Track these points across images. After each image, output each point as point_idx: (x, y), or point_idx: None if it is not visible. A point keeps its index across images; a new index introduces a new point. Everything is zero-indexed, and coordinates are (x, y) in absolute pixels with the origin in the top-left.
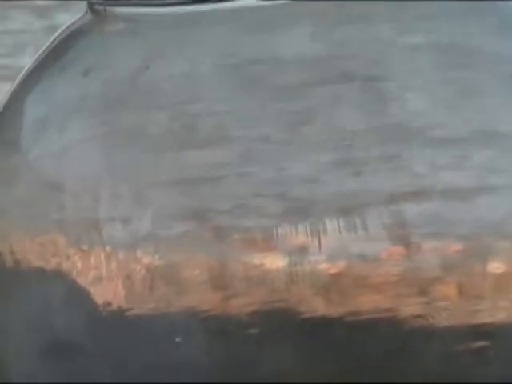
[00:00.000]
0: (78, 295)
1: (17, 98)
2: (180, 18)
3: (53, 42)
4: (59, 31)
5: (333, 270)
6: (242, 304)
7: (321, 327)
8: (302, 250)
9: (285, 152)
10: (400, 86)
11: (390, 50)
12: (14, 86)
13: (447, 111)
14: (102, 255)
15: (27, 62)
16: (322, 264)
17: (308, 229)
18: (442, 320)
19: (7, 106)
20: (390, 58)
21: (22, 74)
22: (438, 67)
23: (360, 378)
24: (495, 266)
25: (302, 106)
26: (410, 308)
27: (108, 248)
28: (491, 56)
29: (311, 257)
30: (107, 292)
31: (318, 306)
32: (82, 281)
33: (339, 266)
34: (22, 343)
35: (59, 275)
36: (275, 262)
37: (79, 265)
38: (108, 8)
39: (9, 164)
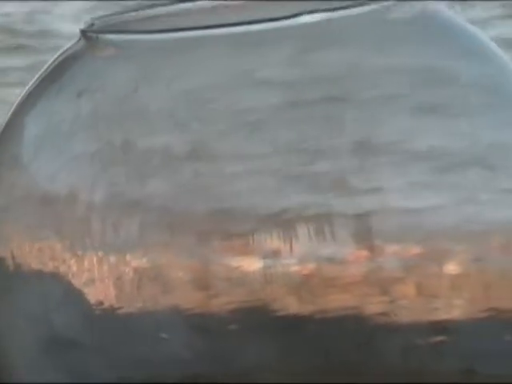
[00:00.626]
0: (73, 295)
1: (17, 117)
2: (165, 44)
3: (49, 66)
4: (55, 56)
5: (304, 272)
6: (223, 303)
7: (293, 323)
8: (276, 253)
9: (259, 167)
10: (367, 105)
11: (360, 72)
12: (14, 106)
13: (411, 128)
14: (95, 259)
15: None
16: (293, 266)
17: (281, 235)
18: (403, 317)
19: (8, 124)
20: (359, 78)
21: (21, 96)
22: (406, 88)
23: (329, 369)
24: (450, 268)
25: (276, 123)
26: (373, 306)
27: (100, 253)
28: (457, 77)
29: (284, 260)
30: (99, 292)
31: (290, 305)
32: (78, 282)
33: (309, 268)
34: (23, 339)
35: (57, 278)
36: (252, 265)
37: (75, 267)
38: (99, 35)
39: (10, 177)
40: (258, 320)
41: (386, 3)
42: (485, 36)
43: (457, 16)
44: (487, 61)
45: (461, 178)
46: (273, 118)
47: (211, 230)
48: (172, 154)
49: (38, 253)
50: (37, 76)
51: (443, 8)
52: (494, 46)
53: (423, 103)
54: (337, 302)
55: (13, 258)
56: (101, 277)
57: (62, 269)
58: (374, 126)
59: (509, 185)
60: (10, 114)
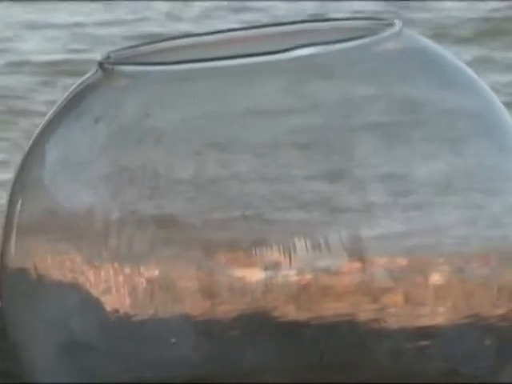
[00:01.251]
0: (91, 303)
1: (39, 142)
2: (172, 75)
3: (69, 94)
4: (74, 85)
5: (301, 282)
6: (227, 310)
7: (291, 329)
8: (276, 265)
9: (260, 188)
10: (349, 138)
11: (344, 101)
12: (37, 131)
13: (387, 153)
14: (111, 270)
15: None
16: (292, 277)
17: (281, 248)
18: (392, 323)
19: (31, 148)
20: (346, 107)
21: (43, 122)
22: (384, 115)
23: (324, 370)
24: (434, 279)
25: (275, 149)
26: (365, 313)
27: (115, 265)
28: (432, 106)
29: (283, 271)
30: (115, 301)
31: (289, 312)
32: (93, 290)
33: (306, 278)
34: (44, 342)
35: (75, 287)
36: (254, 276)
37: (92, 278)
38: (115, 66)
39: (33, 197)
40: (259, 326)
41: (374, 37)
42: (462, 64)
43: (434, 45)
44: (466, 89)
45: (441, 199)
46: (273, 144)
47: (217, 245)
48: (179, 176)
49: (58, 265)
50: (58, 103)
51: (423, 39)
52: (471, 72)
53: (403, 130)
54: (331, 309)
55: (36, 269)
56: (116, 287)
57: (81, 279)
58: (361, 151)
59: (481, 202)
60: (32, 139)
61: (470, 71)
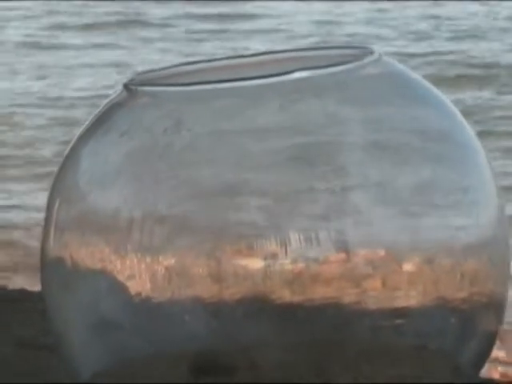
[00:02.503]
0: (118, 284)
1: (72, 153)
2: (188, 94)
3: (98, 112)
4: (103, 104)
5: (295, 270)
6: (232, 293)
7: (287, 310)
8: (274, 256)
9: (262, 195)
10: (336, 149)
11: (331, 119)
12: (72, 143)
13: (366, 165)
14: (135, 260)
15: None
16: (287, 266)
17: (277, 241)
18: (371, 304)
19: (67, 157)
20: (332, 124)
21: (76, 135)
22: (366, 132)
23: (314, 344)
24: (407, 268)
25: (274, 162)
26: (348, 296)
27: (138, 255)
28: (405, 123)
29: (280, 261)
30: (138, 285)
31: (284, 295)
32: (119, 276)
33: (300, 267)
34: (78, 321)
35: (104, 273)
36: (255, 265)
37: (119, 264)
38: (138, 87)
39: (69, 199)
40: (260, 307)
41: (358, 63)
42: (431, 85)
43: (408, 69)
44: (434, 106)
45: (412, 203)
46: (272, 156)
47: (224, 238)
48: (192, 181)
49: (90, 255)
50: (89, 119)
51: (398, 64)
52: (439, 92)
53: (381, 144)
54: (320, 293)
55: (71, 259)
56: (139, 273)
57: (109, 267)
58: (346, 163)
59: (449, 208)
60: (67, 150)
61: (437, 91)
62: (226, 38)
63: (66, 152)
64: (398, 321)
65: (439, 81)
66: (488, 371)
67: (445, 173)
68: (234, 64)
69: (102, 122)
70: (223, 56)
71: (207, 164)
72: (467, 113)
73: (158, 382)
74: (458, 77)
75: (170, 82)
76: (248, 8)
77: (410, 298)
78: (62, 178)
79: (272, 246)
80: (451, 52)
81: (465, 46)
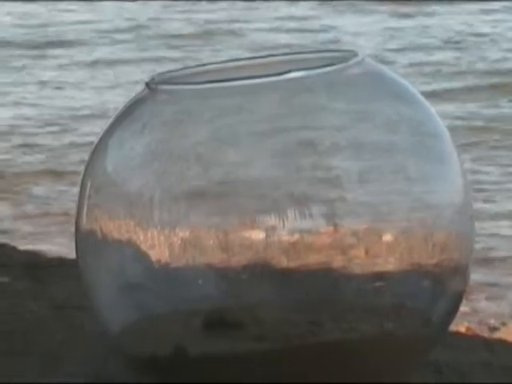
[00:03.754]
0: (141, 253)
1: (101, 142)
2: (201, 92)
3: (124, 106)
4: (128, 100)
5: (291, 240)
6: (238, 260)
7: (285, 274)
8: (274, 228)
9: (265, 177)
10: (326, 138)
11: (322, 110)
12: (101, 133)
13: (352, 150)
14: (155, 232)
15: None
16: (285, 236)
17: (276, 217)
18: (356, 269)
19: (97, 145)
20: (322, 115)
21: (106, 126)
22: (352, 122)
23: (308, 303)
24: (387, 238)
25: (272, 147)
26: (337, 262)
27: (158, 227)
28: (384, 115)
29: (279, 232)
30: (158, 254)
31: (283, 262)
32: (143, 246)
33: (295, 237)
34: (107, 285)
35: (130, 244)
36: (258, 236)
37: (142, 237)
38: (158, 86)
39: (99, 179)
40: (262, 271)
41: (344, 64)
42: (407, 82)
43: (387, 69)
44: (409, 101)
45: (390, 183)
46: (271, 142)
47: (231, 213)
48: (204, 164)
49: (117, 227)
50: (116, 113)
51: (379, 65)
52: (413, 88)
53: (364, 132)
54: (313, 259)
55: (101, 231)
56: (158, 243)
57: (133, 238)
58: (335, 149)
59: (422, 188)
60: (97, 138)
61: (412, 87)
62: None
63: (96, 141)
64: (379, 283)
65: None
66: (455, 326)
67: (419, 157)
68: (240, 65)
69: (126, 115)
70: (231, 58)
71: (216, 151)
72: None
73: (176, 335)
74: None
75: (185, 81)
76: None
77: (388, 264)
78: (92, 163)
79: (271, 220)
80: None
81: None
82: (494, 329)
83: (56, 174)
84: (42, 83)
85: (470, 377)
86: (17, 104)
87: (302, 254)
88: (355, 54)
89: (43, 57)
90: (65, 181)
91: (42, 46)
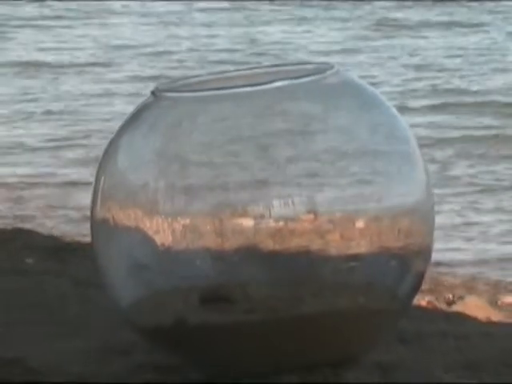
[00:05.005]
0: (147, 238)
1: (114, 140)
2: (199, 98)
3: (133, 111)
4: (136, 106)
5: (277, 227)
6: (231, 244)
7: (271, 256)
8: (262, 216)
9: (256, 169)
10: (308, 138)
11: (304, 113)
12: (112, 136)
13: (329, 147)
14: (160, 219)
15: None
16: (271, 223)
17: (264, 206)
18: (332, 251)
19: (109, 144)
20: (304, 117)
21: (117, 128)
22: (329, 123)
23: (291, 282)
24: (359, 224)
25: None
26: (316, 245)
27: (162, 216)
28: (358, 117)
29: (266, 220)
30: (162, 238)
31: (270, 245)
32: (149, 231)
33: (280, 224)
34: (118, 266)
35: (138, 230)
36: (248, 223)
37: (148, 224)
38: (162, 93)
39: (111, 174)
40: (252, 253)
41: (322, 75)
42: (375, 90)
43: (360, 79)
44: (378, 107)
45: (361, 178)
46: (259, 138)
47: (225, 204)
48: (200, 161)
49: (127, 216)
50: (127, 117)
51: (352, 75)
52: (381, 95)
53: (341, 134)
54: (296, 243)
55: (113, 219)
56: (163, 229)
57: (141, 225)
58: (314, 148)
59: (390, 182)
60: (110, 139)
61: (380, 94)
62: None
63: (109, 140)
64: (352, 263)
65: None
66: (418, 300)
67: (387, 156)
68: (231, 76)
69: (135, 118)
70: (224, 70)
71: (212, 149)
72: None
73: (177, 308)
74: None
75: (185, 89)
76: None
77: (360, 247)
78: (105, 161)
79: (260, 209)
80: None
81: None
82: (451, 302)
83: None
84: None
85: (429, 343)
86: None
87: (286, 239)
88: (331, 66)
89: None
90: None
91: None
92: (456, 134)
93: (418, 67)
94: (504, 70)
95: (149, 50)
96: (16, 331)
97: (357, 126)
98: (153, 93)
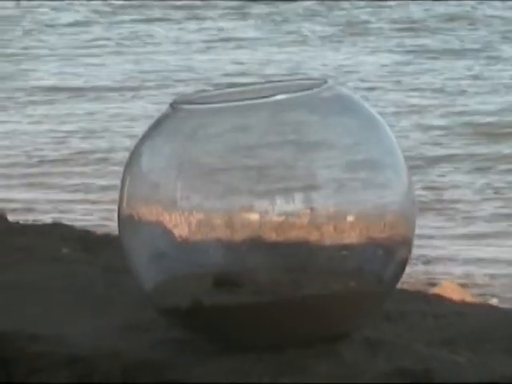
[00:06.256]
0: (167, 230)
1: (137, 147)
2: (212, 110)
3: (153, 121)
4: (157, 116)
5: (278, 220)
6: (239, 235)
7: (274, 246)
8: (266, 211)
9: (258, 172)
10: (307, 144)
11: (302, 123)
12: (135, 144)
13: (325, 152)
14: (178, 215)
15: None
16: (274, 218)
17: (268, 203)
18: (327, 241)
19: (133, 151)
20: (302, 126)
21: (140, 136)
22: (324, 132)
23: (291, 266)
24: (350, 218)
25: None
26: (312, 236)
27: (180, 211)
28: (345, 126)
29: (270, 214)
30: (179, 230)
31: (273, 235)
32: (168, 225)
33: (281, 218)
34: (141, 255)
35: (159, 223)
36: (254, 217)
37: (168, 218)
38: (179, 105)
39: (135, 177)
40: (257, 244)
41: (318, 89)
42: (365, 102)
43: (352, 93)
44: (365, 116)
45: (353, 181)
46: (264, 146)
47: (233, 201)
48: (213, 165)
49: (149, 211)
50: (148, 126)
51: (343, 88)
52: (369, 106)
53: (333, 140)
54: (295, 234)
55: (137, 214)
56: (180, 223)
57: (161, 219)
58: (312, 154)
59: (377, 181)
60: (134, 146)
61: (370, 107)
62: None
63: (133, 147)
64: (344, 252)
65: None
66: (402, 284)
67: (375, 159)
68: (239, 91)
69: (155, 127)
70: (231, 86)
71: (223, 155)
72: None
73: (193, 291)
74: None
75: (200, 102)
76: None
77: (351, 238)
78: (130, 164)
79: (265, 205)
80: None
81: None
82: (430, 285)
83: None
84: None
85: (410, 322)
86: None
87: (287, 231)
88: (326, 81)
89: None
90: None
91: None
92: None
93: None
94: None
95: None
96: (54, 311)
97: (349, 135)
98: (171, 105)
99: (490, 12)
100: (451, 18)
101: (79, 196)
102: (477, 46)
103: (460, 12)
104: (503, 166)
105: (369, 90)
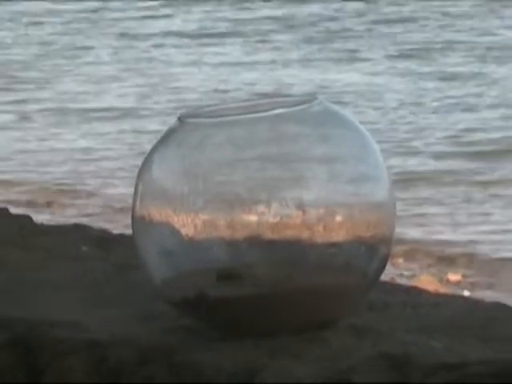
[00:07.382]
0: (175, 230)
1: (149, 156)
2: (214, 123)
3: (163, 134)
4: (166, 129)
5: (274, 221)
6: (240, 234)
7: (270, 243)
8: (263, 213)
9: (254, 178)
10: (300, 152)
11: (294, 135)
12: (147, 154)
13: (315, 161)
14: (186, 216)
15: None
16: (270, 218)
17: (265, 206)
18: (319, 239)
19: (145, 159)
20: (295, 138)
21: (151, 147)
22: (314, 143)
23: (288, 260)
24: (338, 219)
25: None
26: (306, 234)
27: (186, 213)
28: (335, 138)
29: (266, 216)
30: (187, 229)
31: (270, 235)
32: (176, 225)
33: (276, 219)
34: (152, 252)
35: (168, 224)
36: (252, 218)
37: (176, 219)
38: (186, 119)
39: (148, 181)
40: (256, 242)
41: (309, 104)
42: (352, 116)
43: (340, 108)
44: (352, 128)
45: (340, 183)
46: (262, 156)
47: (234, 203)
48: (217, 173)
49: (159, 213)
50: (159, 138)
51: (332, 105)
52: (355, 120)
53: (323, 150)
54: (289, 233)
55: (149, 215)
56: (187, 223)
57: (170, 220)
58: (306, 162)
59: (361, 185)
60: (145, 156)
61: (356, 121)
62: None
63: (145, 157)
64: (332, 249)
65: None
66: (384, 277)
67: (360, 167)
68: (241, 106)
69: (164, 140)
70: (234, 102)
71: (226, 164)
72: None
73: (199, 285)
74: None
75: (205, 116)
76: None
77: (339, 236)
78: (142, 172)
79: (262, 208)
80: None
81: None
82: (410, 277)
83: None
84: None
85: (391, 311)
86: None
87: (282, 230)
88: (316, 97)
89: None
90: None
91: None
92: None
93: None
94: None
95: None
96: (73, 303)
97: (336, 145)
98: (179, 118)
99: None
100: None
101: None
102: None
103: None
104: None
105: None
